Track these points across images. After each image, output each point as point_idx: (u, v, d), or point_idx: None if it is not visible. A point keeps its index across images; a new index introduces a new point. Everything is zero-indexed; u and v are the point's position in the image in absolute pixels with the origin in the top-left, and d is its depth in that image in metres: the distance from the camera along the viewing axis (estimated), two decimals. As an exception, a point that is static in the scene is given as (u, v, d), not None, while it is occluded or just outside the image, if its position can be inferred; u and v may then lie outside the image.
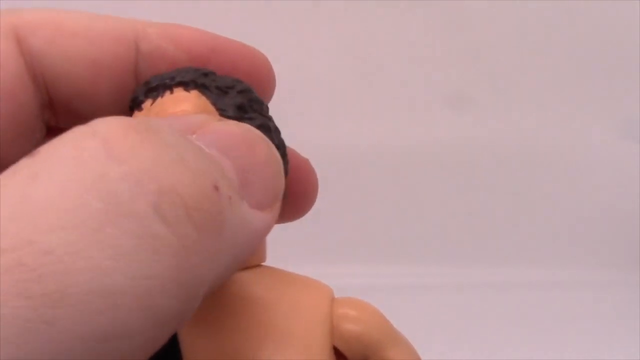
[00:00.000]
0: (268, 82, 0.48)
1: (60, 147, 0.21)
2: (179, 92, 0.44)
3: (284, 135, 0.46)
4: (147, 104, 0.44)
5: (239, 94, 0.46)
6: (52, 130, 0.46)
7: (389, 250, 1.72)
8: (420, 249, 1.70)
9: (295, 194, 0.46)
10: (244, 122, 0.41)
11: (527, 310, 1.46)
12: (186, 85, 0.44)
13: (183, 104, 0.42)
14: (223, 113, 0.43)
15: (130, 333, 0.19)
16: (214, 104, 0.44)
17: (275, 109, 0.55)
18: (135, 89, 0.46)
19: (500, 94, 1.73)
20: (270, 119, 0.47)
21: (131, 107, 0.46)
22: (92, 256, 0.18)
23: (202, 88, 0.44)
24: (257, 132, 0.31)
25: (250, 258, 0.41)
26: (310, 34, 1.65)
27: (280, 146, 0.46)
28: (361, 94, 1.66)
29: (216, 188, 0.22)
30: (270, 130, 0.46)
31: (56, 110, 0.44)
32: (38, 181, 0.19)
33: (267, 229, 0.28)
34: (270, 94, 0.50)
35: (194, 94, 0.44)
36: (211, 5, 1.66)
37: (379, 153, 1.70)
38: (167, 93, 0.44)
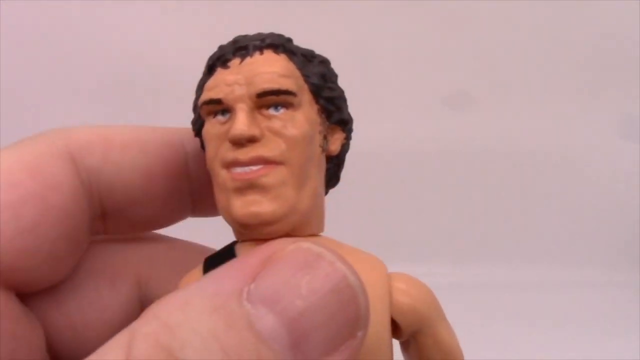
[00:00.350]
0: None
1: None
2: (269, 54, 0.45)
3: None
4: (234, 62, 0.45)
5: (320, 63, 0.48)
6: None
7: (387, 249, 1.71)
8: (419, 249, 1.70)
9: None
10: (325, 91, 0.47)
11: (527, 310, 1.46)
12: (276, 48, 0.46)
13: (274, 66, 0.44)
14: (307, 79, 0.46)
15: None
16: (300, 69, 0.46)
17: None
18: (221, 47, 0.48)
19: (500, 94, 1.73)
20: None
21: (212, 67, 0.47)
22: None
23: (290, 53, 0.46)
24: (328, 257, 0.29)
25: (307, 227, 0.46)
26: (310, 34, 1.65)
27: (350, 120, 0.50)
28: (361, 94, 1.66)
29: None
30: (346, 101, 0.50)
31: (108, 219, 0.44)
32: None
33: None
34: None
35: (283, 57, 0.46)
36: (213, 6, 1.66)
37: (378, 153, 1.70)
38: (257, 53, 0.45)
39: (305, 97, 0.46)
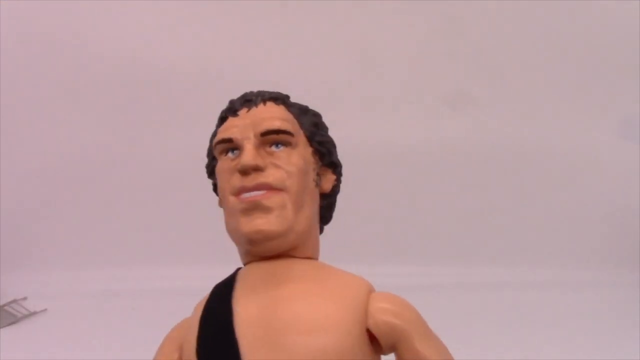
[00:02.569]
0: None
1: None
2: (271, 105, 0.59)
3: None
4: (243, 111, 0.58)
5: (313, 115, 0.61)
6: None
7: (387, 250, 1.72)
8: (420, 249, 1.70)
9: None
10: (318, 136, 0.60)
11: (527, 310, 1.46)
12: (276, 100, 0.60)
13: (275, 112, 0.58)
14: (302, 126, 0.59)
15: None
16: (297, 118, 0.59)
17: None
18: (231, 101, 0.60)
19: (500, 94, 1.73)
20: None
21: (224, 118, 0.59)
22: None
23: (288, 105, 0.60)
24: None
25: (303, 249, 0.57)
26: (312, 35, 1.65)
27: (339, 165, 0.61)
28: (362, 95, 1.66)
29: None
30: (335, 148, 0.61)
31: None
32: None
33: None
34: None
35: (282, 107, 0.59)
36: (216, 7, 1.66)
37: (378, 153, 1.70)
38: (261, 104, 0.59)
39: (301, 140, 0.59)
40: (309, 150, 0.59)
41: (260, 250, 0.55)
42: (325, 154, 0.60)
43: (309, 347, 0.50)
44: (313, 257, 0.60)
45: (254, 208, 0.54)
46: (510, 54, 1.71)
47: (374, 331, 0.52)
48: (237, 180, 0.54)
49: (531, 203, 1.76)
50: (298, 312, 0.51)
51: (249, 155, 0.54)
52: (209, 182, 0.64)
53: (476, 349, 1.17)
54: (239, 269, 0.58)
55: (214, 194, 0.63)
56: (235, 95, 0.63)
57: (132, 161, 1.71)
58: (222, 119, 0.60)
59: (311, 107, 0.65)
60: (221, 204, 0.59)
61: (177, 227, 1.72)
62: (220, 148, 0.57)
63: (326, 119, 0.62)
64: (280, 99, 0.60)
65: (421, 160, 1.73)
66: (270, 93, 0.60)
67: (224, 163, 0.57)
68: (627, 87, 1.70)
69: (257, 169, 0.54)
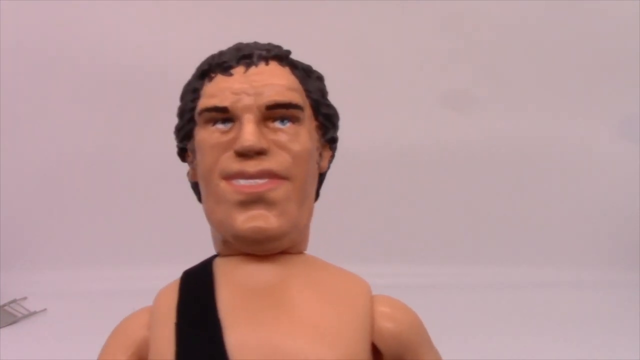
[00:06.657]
0: None
1: None
2: (275, 66, 0.46)
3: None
4: (238, 69, 0.44)
5: (317, 79, 0.49)
6: None
7: (388, 250, 1.72)
8: (420, 249, 1.70)
9: None
10: (324, 108, 0.47)
11: (527, 310, 1.46)
12: (281, 59, 0.46)
13: (282, 78, 0.45)
14: (309, 94, 0.47)
15: None
16: (302, 84, 0.47)
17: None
18: (222, 53, 0.46)
19: (500, 94, 1.73)
20: None
21: (207, 71, 0.45)
22: None
23: (293, 67, 0.47)
24: None
25: (300, 244, 0.47)
26: (312, 35, 1.65)
27: (336, 139, 0.50)
28: (362, 95, 1.66)
29: None
30: (339, 119, 0.50)
31: None
32: None
33: None
34: None
35: (287, 70, 0.46)
36: (216, 8, 1.66)
37: (379, 153, 1.70)
38: (262, 64, 0.45)
39: (307, 113, 0.46)
40: (314, 124, 0.48)
41: (257, 250, 0.46)
42: (329, 129, 0.49)
43: None
44: (304, 249, 0.50)
45: (255, 201, 0.43)
46: (510, 54, 1.71)
47: (378, 342, 0.45)
48: (232, 162, 0.44)
49: (531, 203, 1.76)
50: (303, 347, 0.42)
51: (252, 135, 0.42)
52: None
53: (476, 349, 1.17)
54: (214, 257, 0.49)
55: None
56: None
57: (132, 161, 1.71)
58: (205, 73, 0.47)
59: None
60: (195, 178, 0.48)
61: (177, 227, 1.71)
62: (208, 116, 0.45)
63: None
64: (286, 58, 0.47)
65: (421, 160, 1.73)
66: (272, 49, 0.47)
67: (211, 135, 0.45)
68: (627, 87, 1.70)
69: (260, 152, 0.43)
